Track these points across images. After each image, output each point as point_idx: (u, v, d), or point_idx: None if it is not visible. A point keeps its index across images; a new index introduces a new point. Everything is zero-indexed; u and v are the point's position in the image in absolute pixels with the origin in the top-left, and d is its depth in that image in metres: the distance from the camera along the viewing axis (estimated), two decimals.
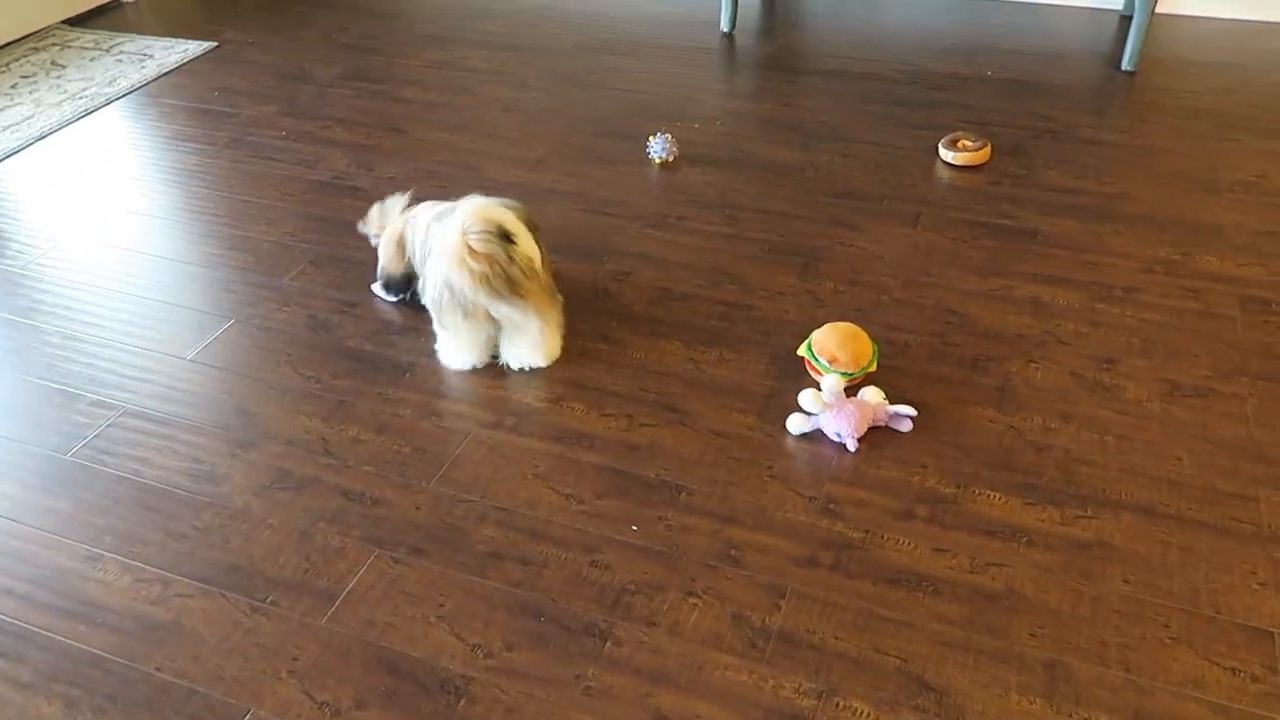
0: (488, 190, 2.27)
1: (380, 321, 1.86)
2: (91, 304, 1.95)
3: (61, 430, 1.65)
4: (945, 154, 2.32)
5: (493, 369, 1.74)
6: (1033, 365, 1.71)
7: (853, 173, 2.30)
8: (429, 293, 1.67)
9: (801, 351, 1.69)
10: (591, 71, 2.84)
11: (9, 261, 2.09)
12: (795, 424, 1.58)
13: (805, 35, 3.04)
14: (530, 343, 1.72)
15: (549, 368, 1.74)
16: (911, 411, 1.57)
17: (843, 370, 1.63)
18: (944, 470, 1.52)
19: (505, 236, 1.58)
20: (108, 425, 1.65)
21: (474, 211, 1.58)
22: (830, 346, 1.63)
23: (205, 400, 1.69)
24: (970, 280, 1.93)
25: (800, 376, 1.70)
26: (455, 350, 1.74)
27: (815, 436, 1.58)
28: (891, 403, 1.60)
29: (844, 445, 1.55)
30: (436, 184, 2.31)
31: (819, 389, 1.60)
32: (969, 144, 2.31)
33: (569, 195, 2.25)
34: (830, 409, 1.56)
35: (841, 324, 1.69)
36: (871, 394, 1.60)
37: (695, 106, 2.63)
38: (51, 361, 1.80)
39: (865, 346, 1.65)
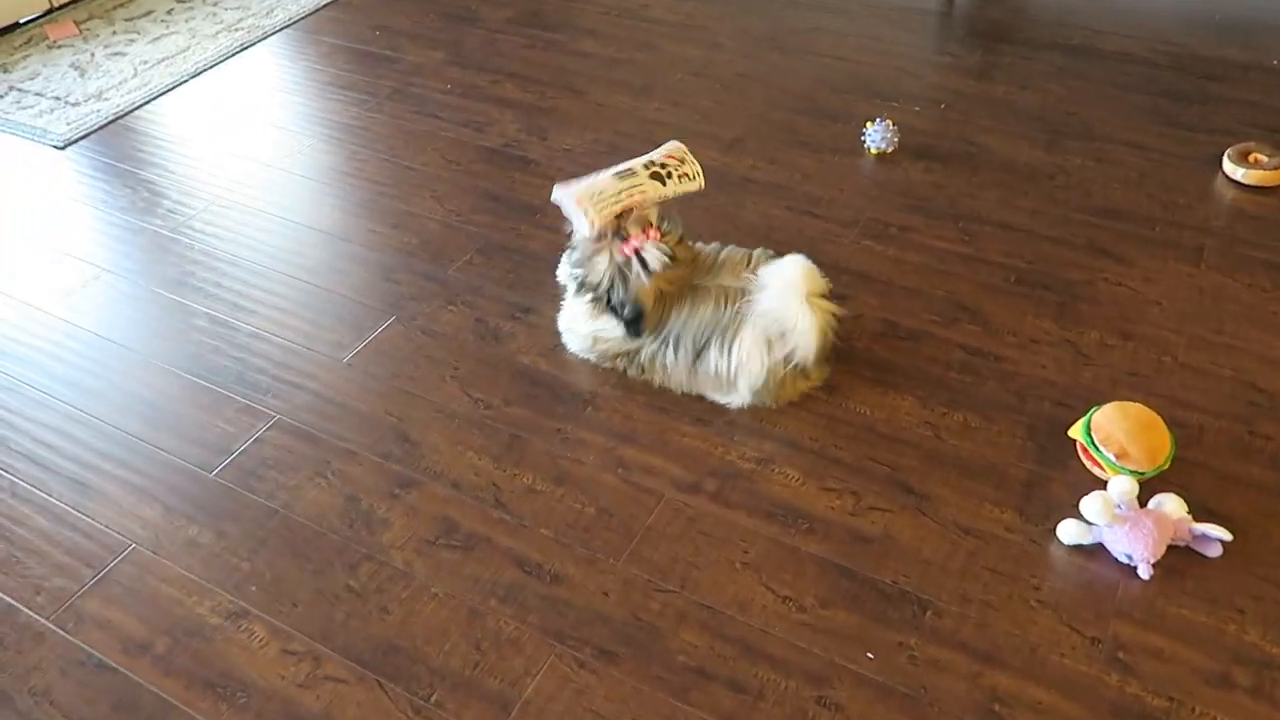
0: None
1: (557, 334, 1.62)
2: (244, 282, 1.76)
3: (207, 440, 1.46)
4: (1232, 169, 1.91)
5: (688, 410, 1.48)
6: None
7: (1112, 184, 1.92)
8: (748, 364, 1.43)
9: (1076, 434, 1.38)
10: (793, 32, 2.49)
11: (160, 221, 1.92)
12: (1070, 533, 1.28)
13: None
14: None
15: (758, 418, 1.47)
16: (1224, 535, 1.24)
17: (1134, 469, 1.31)
18: (1268, 619, 1.19)
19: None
20: (255, 440, 1.46)
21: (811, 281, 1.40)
22: (1119, 436, 1.31)
23: (363, 419, 1.49)
24: (1277, 346, 1.56)
25: (1068, 461, 1.39)
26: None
27: (1093, 551, 1.27)
28: (1193, 516, 1.27)
29: (1134, 569, 1.24)
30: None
31: (1103, 487, 1.29)
32: (1263, 159, 1.90)
33: (770, 188, 1.94)
34: (1121, 523, 1.24)
35: (1130, 405, 1.36)
36: (1172, 505, 1.27)
37: (913, 83, 2.26)
38: (199, 351, 1.62)
39: (1163, 439, 1.32)
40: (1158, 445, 1.31)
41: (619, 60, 2.39)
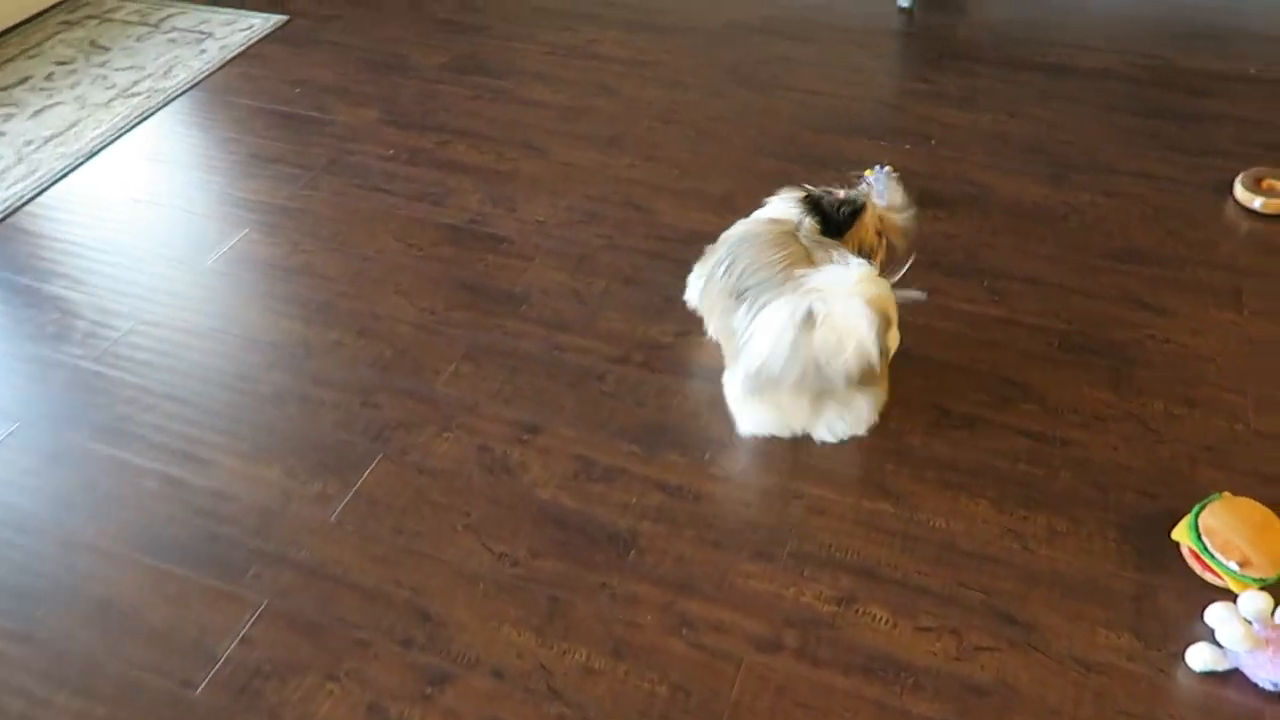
0: (666, 239, 1.79)
1: (576, 460, 1.41)
2: (192, 423, 1.49)
3: (182, 646, 1.21)
4: (1248, 198, 1.82)
5: (745, 541, 1.30)
6: None
7: (1129, 221, 1.81)
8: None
9: (1183, 538, 1.25)
10: (758, 63, 2.32)
11: (78, 351, 1.63)
12: (1203, 659, 1.15)
13: (1001, 12, 2.50)
14: (853, 417, 1.35)
15: (824, 544, 1.30)
16: None
17: (1258, 576, 1.19)
18: None
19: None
20: (241, 639, 1.22)
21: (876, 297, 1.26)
22: (1238, 543, 1.19)
23: (370, 595, 1.26)
24: None
25: (1170, 565, 1.26)
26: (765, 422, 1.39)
27: (1228, 677, 1.15)
28: None
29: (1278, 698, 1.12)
30: (600, 231, 1.83)
31: (1220, 595, 1.17)
32: (1278, 185, 1.82)
33: None
34: (1263, 646, 1.12)
35: (1241, 503, 1.24)
36: None
37: (896, 116, 2.12)
38: (152, 523, 1.36)
39: (1278, 533, 1.21)
40: (1277, 541, 1.19)
41: (578, 109, 2.18)
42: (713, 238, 1.81)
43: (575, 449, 1.43)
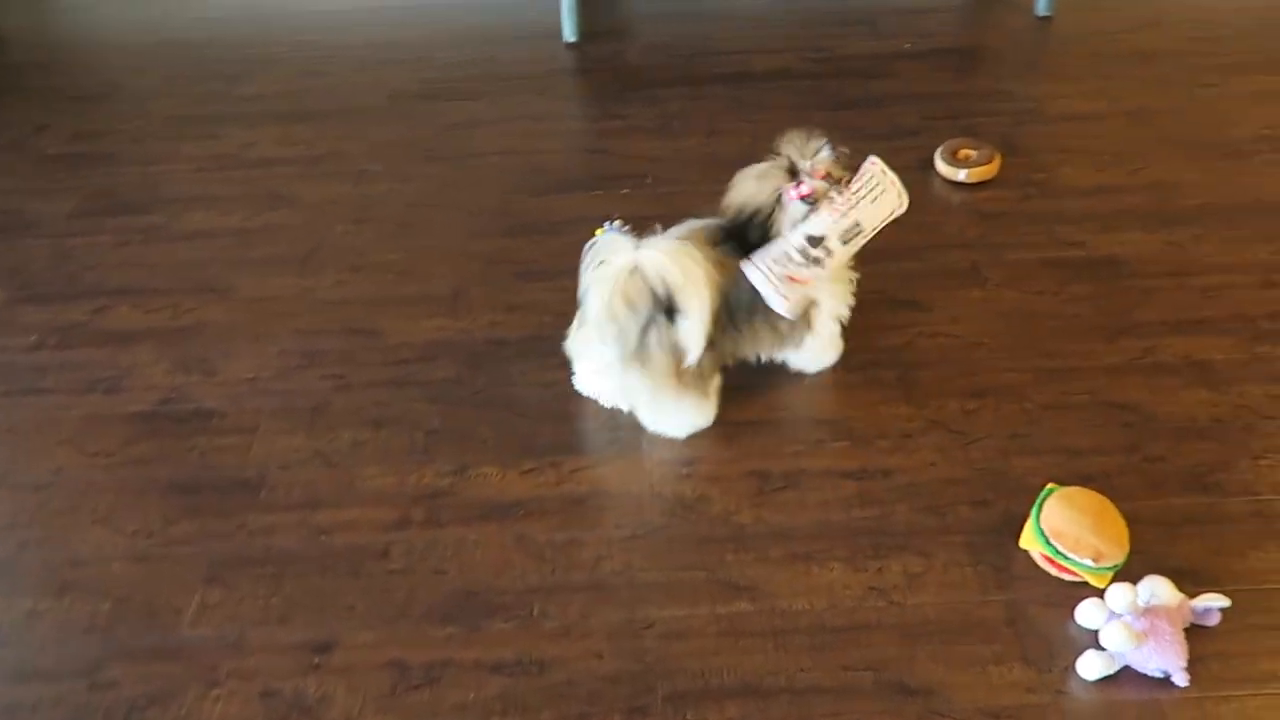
0: (405, 361, 1.57)
1: (388, 668, 1.17)
2: None
3: None
4: (950, 172, 1.88)
5: (615, 703, 1.12)
6: (1263, 464, 1.35)
7: None
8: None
9: (1031, 545, 1.22)
10: (440, 133, 2.12)
11: None
12: (1095, 667, 1.12)
13: (663, 30, 2.47)
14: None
15: (695, 675, 1.15)
16: (1223, 601, 1.14)
17: (1111, 564, 1.18)
18: None
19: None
20: None
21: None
22: (1085, 536, 1.17)
23: None
24: (1103, 351, 1.53)
25: (1023, 571, 1.24)
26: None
27: (1122, 676, 1.13)
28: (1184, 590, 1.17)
29: (1169, 679, 1.11)
30: (326, 372, 1.57)
31: (1085, 590, 1.16)
32: (973, 153, 1.89)
33: (528, 346, 1.60)
34: (1144, 639, 1.10)
35: (1073, 493, 1.23)
36: (1166, 591, 1.15)
37: (602, 161, 2.02)
38: None
39: (1117, 517, 1.21)
40: (1120, 527, 1.20)
41: (253, 230, 1.88)
42: (454, 345, 1.62)
43: (382, 655, 1.19)
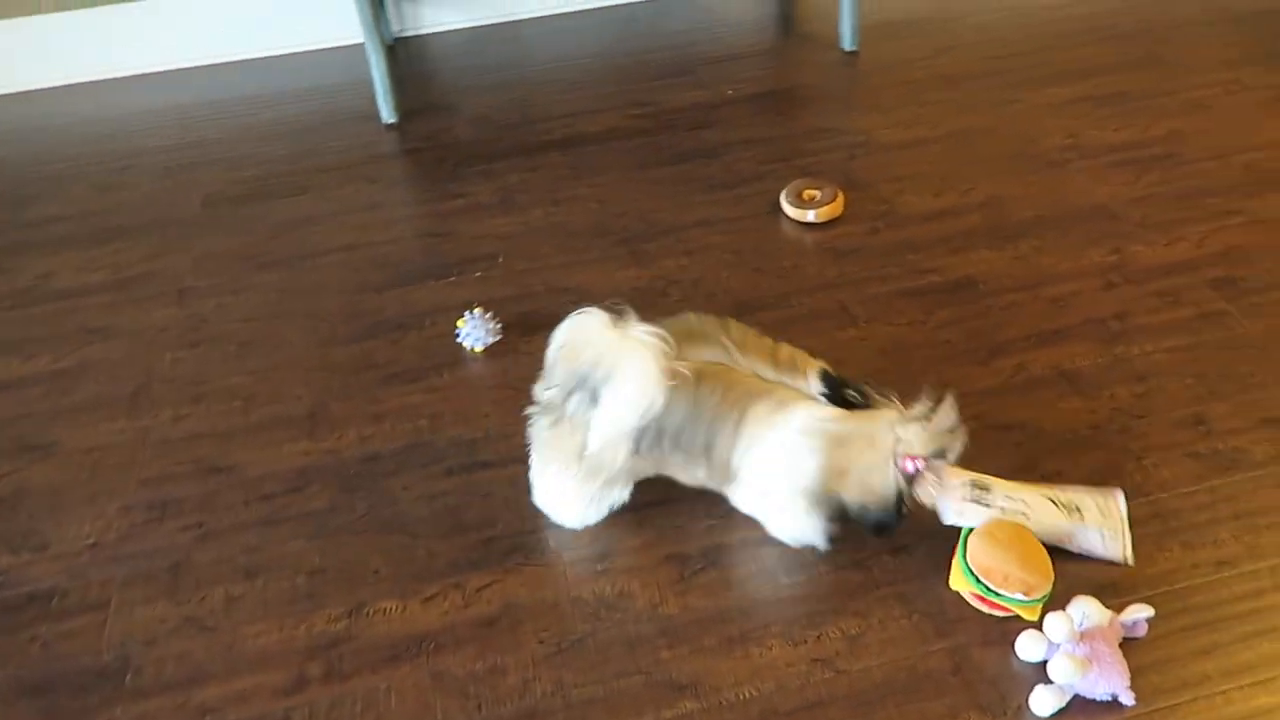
0: (272, 496, 1.42)
1: None
2: None
3: None
4: (799, 214, 1.90)
5: None
6: (1147, 464, 1.40)
7: (721, 274, 1.80)
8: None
9: (962, 585, 1.21)
10: (267, 236, 1.97)
11: None
12: (1046, 703, 1.11)
13: (479, 100, 2.41)
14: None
15: None
16: (1148, 611, 1.16)
17: (1041, 595, 1.19)
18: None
19: None
20: None
21: None
22: (1012, 569, 1.17)
23: None
24: (980, 374, 1.56)
25: (959, 611, 1.23)
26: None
27: (1073, 706, 1.13)
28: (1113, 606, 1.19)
29: (1118, 702, 1.12)
30: (183, 523, 1.40)
31: (1031, 627, 1.15)
32: (818, 193, 1.92)
33: (401, 457, 1.49)
34: (1088, 666, 1.11)
35: (990, 528, 1.23)
36: (1096, 610, 1.16)
37: (450, 244, 1.92)
38: None
39: (1038, 545, 1.22)
40: (1042, 556, 1.20)
41: (65, 372, 1.68)
42: (323, 469, 1.49)
43: None
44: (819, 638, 1.22)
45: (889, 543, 1.31)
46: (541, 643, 1.23)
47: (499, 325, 1.67)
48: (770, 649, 1.21)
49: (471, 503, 1.40)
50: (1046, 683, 1.12)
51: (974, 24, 2.58)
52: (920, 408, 1.18)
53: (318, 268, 1.88)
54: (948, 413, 1.17)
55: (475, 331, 1.64)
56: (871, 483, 1.17)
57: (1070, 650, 1.12)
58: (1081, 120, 2.16)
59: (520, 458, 1.47)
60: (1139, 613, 1.16)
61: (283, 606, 1.28)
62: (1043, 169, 2.02)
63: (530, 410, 1.31)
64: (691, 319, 1.30)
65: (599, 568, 1.31)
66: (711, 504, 1.38)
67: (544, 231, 1.94)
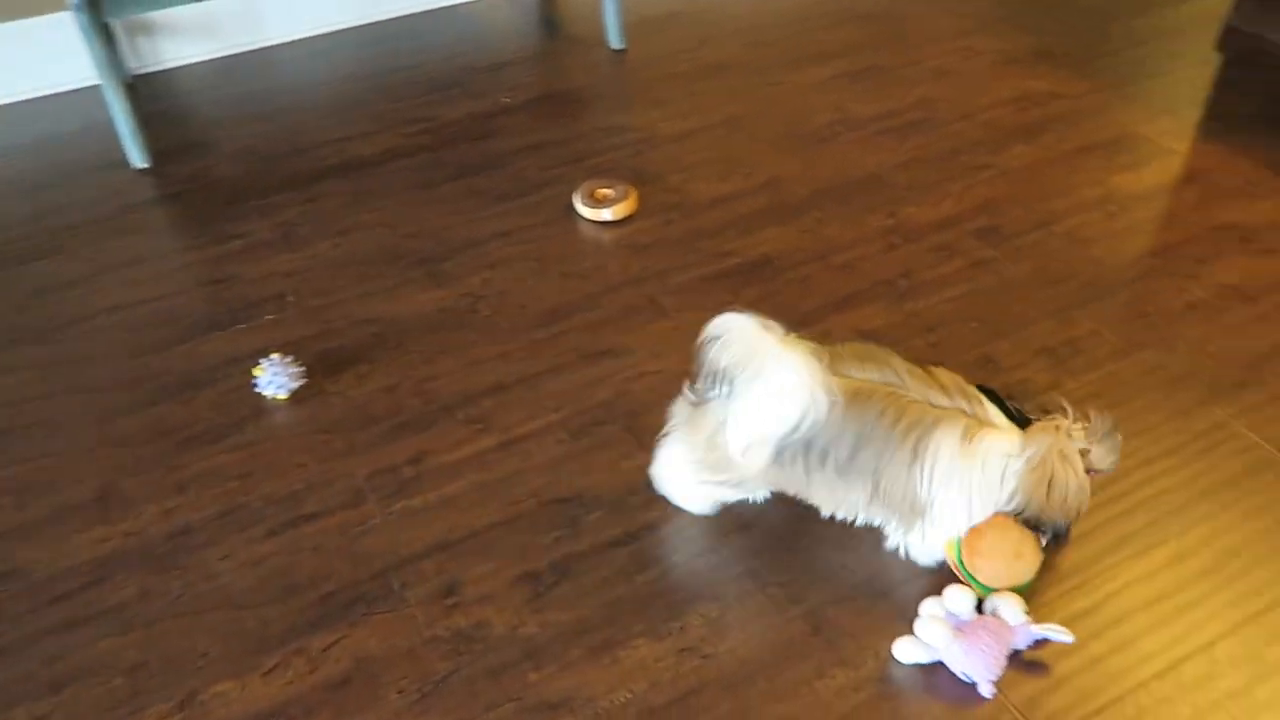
0: (67, 598, 1.28)
1: None
2: None
3: None
4: (595, 214, 1.90)
5: None
6: None
7: (528, 284, 1.77)
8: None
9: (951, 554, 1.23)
10: (21, 305, 1.76)
11: None
12: (906, 652, 1.16)
13: (238, 133, 2.26)
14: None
15: None
16: (1067, 637, 1.15)
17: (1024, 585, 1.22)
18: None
19: None
20: None
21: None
22: (999, 570, 1.19)
23: None
24: None
25: (807, 575, 1.26)
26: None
27: (932, 670, 1.18)
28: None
29: (974, 688, 1.14)
30: None
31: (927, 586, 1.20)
32: (610, 192, 1.93)
33: (227, 528, 1.37)
34: (959, 637, 1.15)
35: (974, 542, 1.20)
36: (1009, 610, 1.18)
37: (234, 289, 1.79)
38: None
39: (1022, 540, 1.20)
40: (1025, 547, 1.19)
41: None
42: (126, 554, 1.36)
43: None
44: (682, 628, 1.22)
45: (732, 521, 1.34)
46: (401, 693, 1.16)
47: (301, 368, 1.57)
48: (637, 649, 1.20)
49: (301, 561, 1.31)
50: (911, 635, 1.17)
51: (729, 14, 2.67)
52: (1096, 423, 1.19)
53: (83, 335, 1.70)
54: (1107, 425, 1.20)
55: (275, 378, 1.54)
56: (1071, 500, 1.17)
57: (946, 619, 1.17)
58: (842, 95, 2.29)
59: (346, 503, 1.39)
60: (1057, 635, 1.15)
61: (102, 715, 1.15)
62: (815, 145, 2.13)
63: (684, 393, 1.27)
64: (860, 345, 1.24)
65: (449, 602, 1.26)
66: (555, 515, 1.36)
67: (334, 263, 1.84)
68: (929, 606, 1.19)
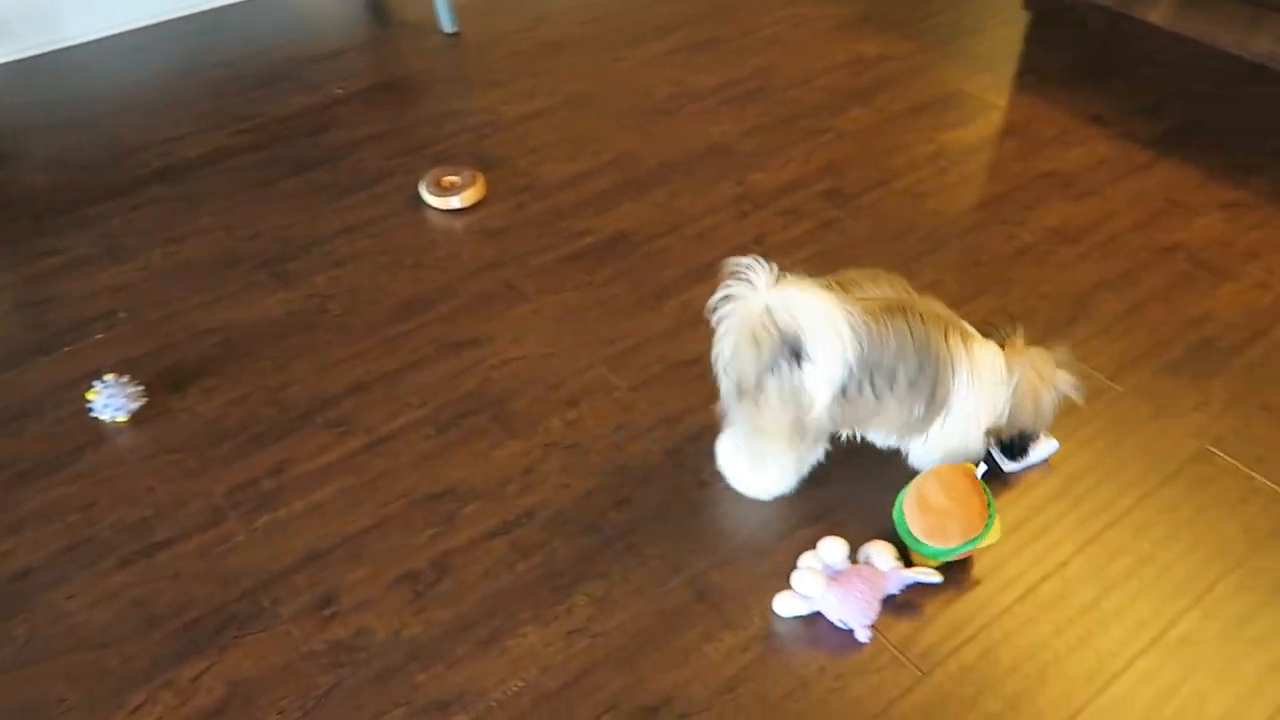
0: None
1: None
2: None
3: None
4: (443, 202, 1.86)
5: None
6: None
7: (379, 278, 1.72)
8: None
9: (923, 562, 1.25)
10: None
11: None
12: (786, 606, 1.19)
13: (48, 142, 2.09)
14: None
15: None
16: (935, 578, 1.21)
17: (977, 537, 1.21)
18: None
19: None
20: None
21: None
22: (949, 525, 1.21)
23: None
24: (653, 319, 1.62)
25: (688, 545, 1.28)
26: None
27: (813, 621, 1.21)
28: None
29: (852, 634, 1.19)
30: None
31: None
32: (458, 179, 1.89)
33: (73, 565, 1.27)
34: (834, 586, 1.18)
35: (913, 496, 1.23)
36: (881, 557, 1.23)
37: (55, 311, 1.66)
38: None
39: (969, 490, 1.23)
40: (971, 498, 1.23)
41: None
42: None
43: None
44: (568, 610, 1.22)
45: (610, 499, 1.34)
46: (281, 713, 1.12)
47: (139, 387, 1.48)
48: (525, 636, 1.19)
49: (159, 589, 1.24)
50: (790, 590, 1.21)
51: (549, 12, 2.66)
52: (1060, 352, 1.32)
53: None
54: (1069, 354, 1.34)
55: (112, 401, 1.44)
56: (1045, 410, 1.29)
57: (822, 571, 1.20)
58: (681, 69, 2.31)
59: (205, 524, 1.32)
60: (926, 578, 1.20)
61: None
62: (659, 118, 2.14)
63: (724, 401, 1.26)
64: (858, 269, 1.26)
65: (326, 613, 1.21)
66: (429, 512, 1.33)
67: (169, 273, 1.74)
68: (805, 560, 1.22)
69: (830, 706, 1.12)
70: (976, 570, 1.26)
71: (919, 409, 1.23)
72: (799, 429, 1.21)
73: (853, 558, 1.24)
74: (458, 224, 1.85)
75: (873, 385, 1.19)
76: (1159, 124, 2.09)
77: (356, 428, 1.45)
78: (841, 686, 1.13)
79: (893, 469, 1.36)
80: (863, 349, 1.16)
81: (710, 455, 1.39)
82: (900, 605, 1.22)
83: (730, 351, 1.17)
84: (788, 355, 1.15)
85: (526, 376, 1.53)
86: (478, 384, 1.52)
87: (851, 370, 1.16)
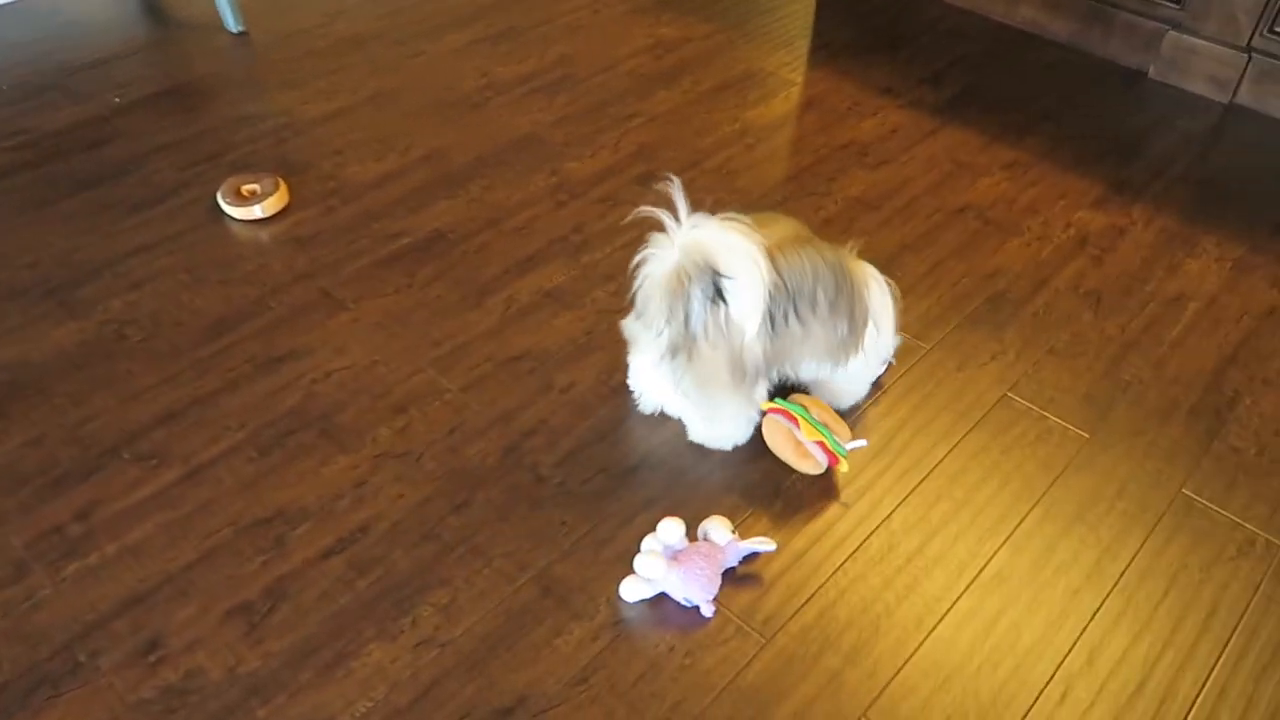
0: None
1: None
2: None
3: None
4: (244, 212, 1.76)
5: None
6: None
7: (180, 298, 1.62)
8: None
9: (812, 436, 1.34)
10: None
11: None
12: (631, 591, 1.21)
13: None
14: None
15: None
16: (769, 545, 1.25)
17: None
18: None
19: None
20: None
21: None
22: (841, 428, 1.40)
23: None
24: (478, 318, 1.60)
25: (529, 544, 1.27)
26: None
27: (659, 602, 1.23)
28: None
29: (697, 610, 1.21)
30: None
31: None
32: (256, 187, 1.79)
33: None
34: (677, 566, 1.20)
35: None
36: (718, 531, 1.25)
37: None
38: None
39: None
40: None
41: None
42: None
43: None
44: (414, 622, 1.19)
45: (448, 504, 1.32)
46: None
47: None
48: (370, 655, 1.16)
49: None
50: (633, 574, 1.22)
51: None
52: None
53: None
54: None
55: None
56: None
57: (660, 551, 1.22)
58: (485, 60, 2.27)
59: (4, 580, 1.21)
60: (761, 546, 1.24)
61: None
62: (467, 112, 2.10)
63: (656, 362, 1.29)
64: (753, 214, 1.28)
65: (152, 659, 1.14)
66: (258, 538, 1.27)
67: None
68: (646, 543, 1.25)
69: (682, 683, 1.15)
70: (809, 534, 1.31)
71: (842, 328, 1.32)
72: (737, 368, 1.26)
73: (690, 535, 1.27)
74: (264, 234, 1.76)
75: (797, 313, 1.26)
76: (942, 92, 2.23)
77: (171, 458, 1.37)
78: (691, 663, 1.17)
79: (722, 451, 1.40)
80: (781, 277, 1.23)
81: (549, 449, 1.39)
82: (740, 577, 1.26)
83: (652, 304, 1.24)
84: (709, 292, 1.20)
85: (352, 387, 1.48)
86: (300, 400, 1.46)
87: (775, 299, 1.23)
